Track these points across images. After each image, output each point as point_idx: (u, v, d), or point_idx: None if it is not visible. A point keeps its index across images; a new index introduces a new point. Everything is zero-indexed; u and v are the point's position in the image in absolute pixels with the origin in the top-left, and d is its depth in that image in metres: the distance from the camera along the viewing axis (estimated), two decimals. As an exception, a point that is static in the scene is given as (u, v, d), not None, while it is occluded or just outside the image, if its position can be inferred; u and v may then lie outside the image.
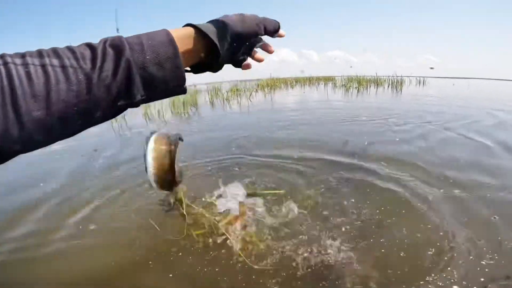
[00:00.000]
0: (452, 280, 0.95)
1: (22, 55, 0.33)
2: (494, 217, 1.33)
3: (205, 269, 1.07)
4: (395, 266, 1.04)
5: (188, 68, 0.50)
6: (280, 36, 0.58)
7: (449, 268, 1.01)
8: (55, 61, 0.34)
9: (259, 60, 0.58)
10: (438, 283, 0.95)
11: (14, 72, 0.31)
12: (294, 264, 1.07)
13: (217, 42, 0.46)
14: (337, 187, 1.70)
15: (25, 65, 0.32)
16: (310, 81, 15.02)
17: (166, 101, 7.78)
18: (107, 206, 1.67)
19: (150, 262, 1.14)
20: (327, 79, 14.84)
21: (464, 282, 0.94)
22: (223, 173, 2.05)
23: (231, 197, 1.39)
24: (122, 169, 2.32)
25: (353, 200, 1.53)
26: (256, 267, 1.06)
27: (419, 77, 14.59)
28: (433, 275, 0.98)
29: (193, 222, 1.37)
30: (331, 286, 0.97)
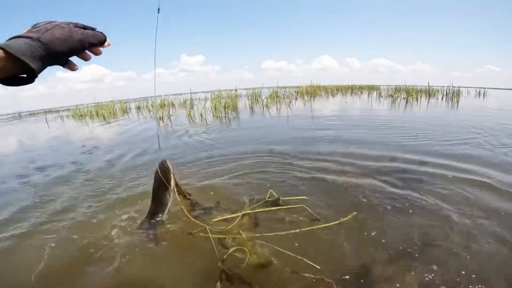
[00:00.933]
0: None
1: None
2: None
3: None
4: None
5: None
6: (105, 46, 0.56)
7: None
8: None
9: (86, 59, 0.55)
10: None
11: None
12: None
13: (32, 65, 0.44)
14: None
15: None
16: (353, 89, 14.43)
17: (208, 105, 8.13)
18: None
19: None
20: (371, 88, 14.10)
21: None
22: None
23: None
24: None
25: None
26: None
27: (479, 88, 13.07)
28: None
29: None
30: None
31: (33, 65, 0.44)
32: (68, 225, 1.57)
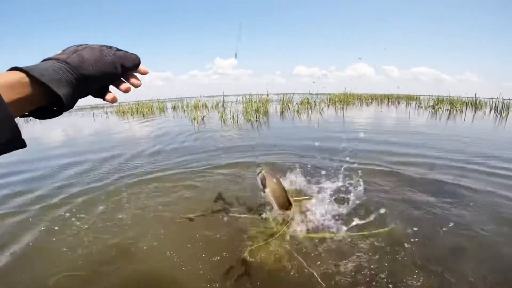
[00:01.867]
0: None
1: None
2: None
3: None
4: None
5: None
6: (142, 73, 0.50)
7: None
8: None
9: (126, 91, 0.49)
10: None
11: None
12: None
13: (57, 91, 0.37)
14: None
15: None
16: (389, 98, 13.77)
17: (240, 108, 8.33)
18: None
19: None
20: (410, 98, 13.33)
21: None
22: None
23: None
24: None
25: None
26: None
27: None
28: None
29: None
30: None
31: (59, 91, 0.38)
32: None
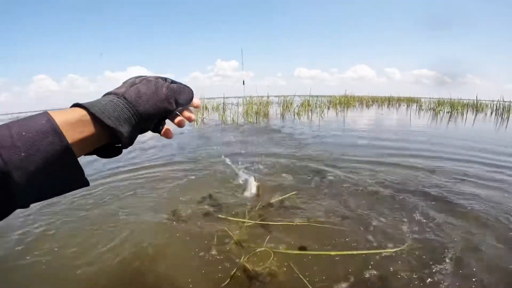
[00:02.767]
0: None
1: None
2: None
3: None
4: None
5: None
6: (195, 106, 0.49)
7: None
8: None
9: (180, 125, 0.48)
10: None
11: None
12: None
13: (117, 129, 0.36)
14: None
15: None
16: (390, 101, 13.75)
17: (240, 110, 8.33)
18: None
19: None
20: (411, 100, 13.32)
21: None
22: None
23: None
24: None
25: None
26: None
27: None
28: None
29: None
30: None
31: (120, 129, 0.37)
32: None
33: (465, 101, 11.15)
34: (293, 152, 3.20)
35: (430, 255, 1.22)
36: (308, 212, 1.67)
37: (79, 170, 0.34)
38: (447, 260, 1.19)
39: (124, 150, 0.43)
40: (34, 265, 1.23)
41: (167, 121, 0.48)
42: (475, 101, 10.84)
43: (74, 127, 0.33)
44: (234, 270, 1.13)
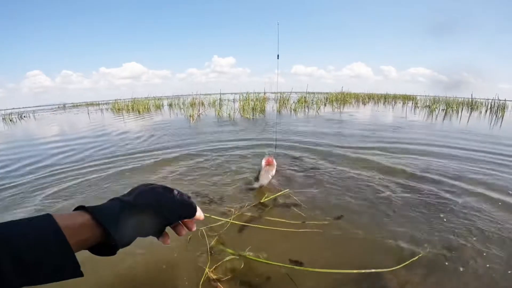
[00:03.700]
0: None
1: None
2: None
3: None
4: None
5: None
6: (197, 219, 0.50)
7: None
8: None
9: (179, 234, 0.50)
10: None
11: None
12: None
13: (114, 235, 0.37)
14: None
15: None
16: (386, 98, 13.81)
17: (236, 106, 8.28)
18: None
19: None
20: (406, 98, 13.39)
21: None
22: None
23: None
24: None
25: None
26: None
27: None
28: None
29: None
30: None
31: (117, 234, 0.38)
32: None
33: (460, 99, 11.24)
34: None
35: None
36: (302, 211, 1.61)
37: (77, 266, 0.34)
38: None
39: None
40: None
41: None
42: (470, 99, 10.93)
43: (77, 230, 0.35)
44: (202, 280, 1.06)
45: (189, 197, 0.49)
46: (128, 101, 12.63)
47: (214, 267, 1.12)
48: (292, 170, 2.42)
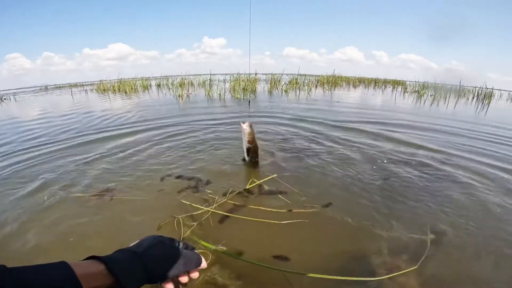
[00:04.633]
0: None
1: None
2: None
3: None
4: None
5: None
6: (201, 268, 0.54)
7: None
8: None
9: (183, 283, 0.52)
10: None
11: None
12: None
13: (127, 286, 0.41)
14: None
15: None
16: (376, 82, 13.86)
17: (226, 86, 8.11)
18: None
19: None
20: (396, 83, 13.47)
21: None
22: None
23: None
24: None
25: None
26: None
27: None
28: None
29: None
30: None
31: (128, 285, 0.41)
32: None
33: (448, 86, 11.39)
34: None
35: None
36: (287, 197, 1.51)
37: None
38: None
39: None
40: None
41: None
42: (458, 87, 11.09)
43: (92, 279, 0.38)
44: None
45: (193, 248, 0.55)
46: (114, 81, 12.15)
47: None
48: (279, 150, 2.39)
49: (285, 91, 7.86)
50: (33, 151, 2.34)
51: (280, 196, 1.52)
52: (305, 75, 10.38)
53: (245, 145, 1.89)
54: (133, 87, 10.42)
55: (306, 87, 8.51)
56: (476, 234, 1.20)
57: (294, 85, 8.67)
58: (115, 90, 10.21)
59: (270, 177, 1.73)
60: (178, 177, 1.76)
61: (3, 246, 1.12)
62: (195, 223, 1.25)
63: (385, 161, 2.05)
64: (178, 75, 10.96)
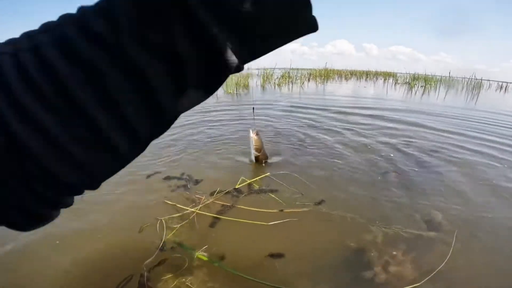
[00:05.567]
0: None
1: None
2: None
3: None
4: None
5: None
6: None
7: None
8: None
9: None
10: None
11: None
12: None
13: None
14: None
15: None
16: (368, 75, 13.95)
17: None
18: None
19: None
20: (387, 75, 13.59)
21: None
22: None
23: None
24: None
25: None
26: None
27: (502, 82, 12.77)
28: None
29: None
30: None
31: None
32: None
33: (438, 77, 11.55)
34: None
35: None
36: (279, 197, 1.47)
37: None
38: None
39: None
40: None
41: None
42: (448, 78, 11.27)
43: None
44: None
45: None
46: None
47: (153, 266, 0.97)
48: (274, 142, 2.40)
49: (278, 85, 7.85)
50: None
51: (270, 194, 1.49)
52: (297, 69, 10.37)
53: (253, 153, 1.85)
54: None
55: (298, 81, 8.51)
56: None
57: (287, 79, 8.66)
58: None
59: (262, 176, 1.71)
60: (166, 178, 1.68)
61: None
62: (177, 226, 1.20)
63: (391, 155, 2.10)
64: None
